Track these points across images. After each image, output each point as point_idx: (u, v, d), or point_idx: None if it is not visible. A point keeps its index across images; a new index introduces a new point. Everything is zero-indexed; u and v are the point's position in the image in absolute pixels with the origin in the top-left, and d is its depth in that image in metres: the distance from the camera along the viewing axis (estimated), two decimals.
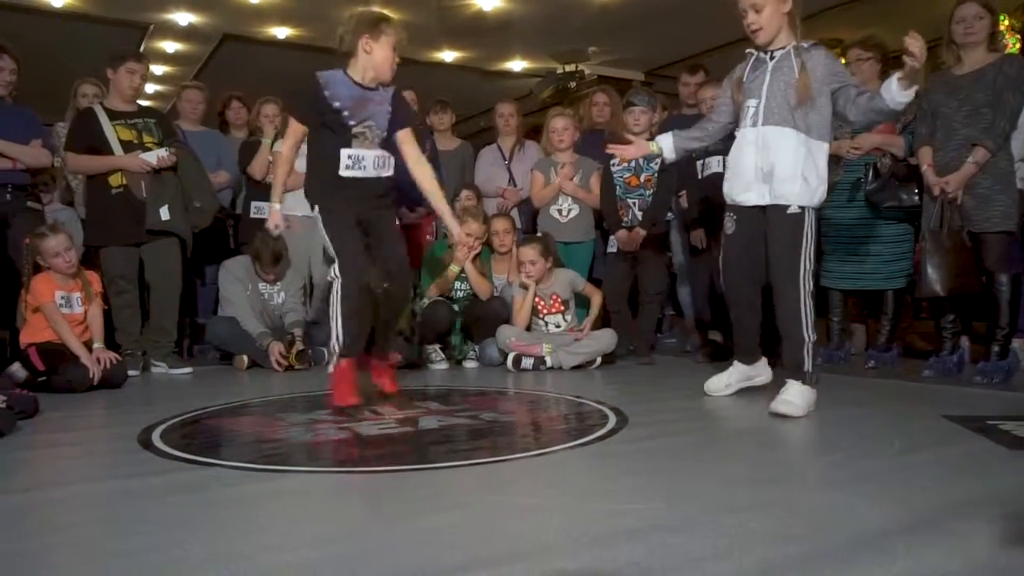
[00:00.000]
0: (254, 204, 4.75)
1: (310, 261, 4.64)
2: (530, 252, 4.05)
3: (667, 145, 3.03)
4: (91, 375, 3.40)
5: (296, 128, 2.94)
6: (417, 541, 1.43)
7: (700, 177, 4.23)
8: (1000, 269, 3.33)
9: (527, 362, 3.98)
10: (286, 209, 4.49)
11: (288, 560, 1.35)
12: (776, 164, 2.64)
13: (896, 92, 2.46)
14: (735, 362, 3.02)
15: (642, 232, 4.10)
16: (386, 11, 2.96)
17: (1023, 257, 3.48)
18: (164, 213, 3.93)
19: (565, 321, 4.20)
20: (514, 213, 4.82)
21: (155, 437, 2.38)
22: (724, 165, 3.37)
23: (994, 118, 3.30)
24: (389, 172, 3.00)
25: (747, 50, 2.81)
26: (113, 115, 3.99)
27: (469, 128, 9.30)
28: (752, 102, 2.71)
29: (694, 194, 4.34)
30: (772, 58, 2.70)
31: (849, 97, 2.61)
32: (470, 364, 4.23)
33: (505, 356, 4.03)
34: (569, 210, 4.49)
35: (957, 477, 1.83)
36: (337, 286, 2.84)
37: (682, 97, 4.93)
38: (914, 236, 3.75)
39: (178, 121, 4.81)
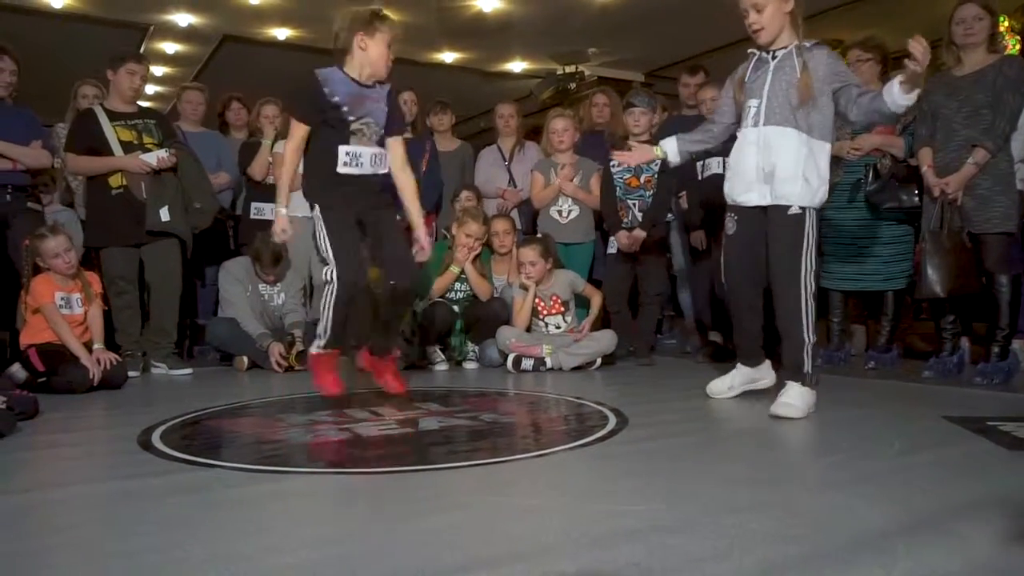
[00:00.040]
0: (254, 205, 4.76)
1: (310, 262, 4.63)
2: (530, 253, 4.05)
3: (671, 149, 3.02)
4: (91, 376, 3.40)
5: (298, 128, 2.93)
6: (417, 542, 1.43)
7: (700, 178, 4.23)
8: (1000, 270, 3.33)
9: (527, 363, 3.98)
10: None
11: (288, 561, 1.35)
12: (777, 164, 2.64)
13: (897, 95, 2.45)
14: (738, 365, 3.00)
15: (642, 233, 4.10)
16: (386, 11, 2.96)
17: (1023, 258, 3.48)
18: (164, 214, 3.93)
19: (565, 322, 4.20)
20: (514, 214, 4.82)
21: (155, 438, 2.38)
22: (724, 166, 3.38)
23: (994, 119, 3.30)
24: (385, 170, 3.02)
25: (749, 50, 2.80)
26: (113, 116, 3.99)
27: (469, 129, 9.30)
28: (753, 102, 2.71)
29: (694, 195, 4.34)
30: (774, 58, 2.69)
31: (851, 97, 2.60)
32: (470, 365, 4.23)
33: (505, 357, 4.03)
34: (569, 211, 4.50)
35: (957, 478, 1.83)
36: (329, 290, 2.87)
37: (682, 98, 4.93)
38: (914, 237, 3.75)
39: (178, 122, 4.82)
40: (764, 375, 3.00)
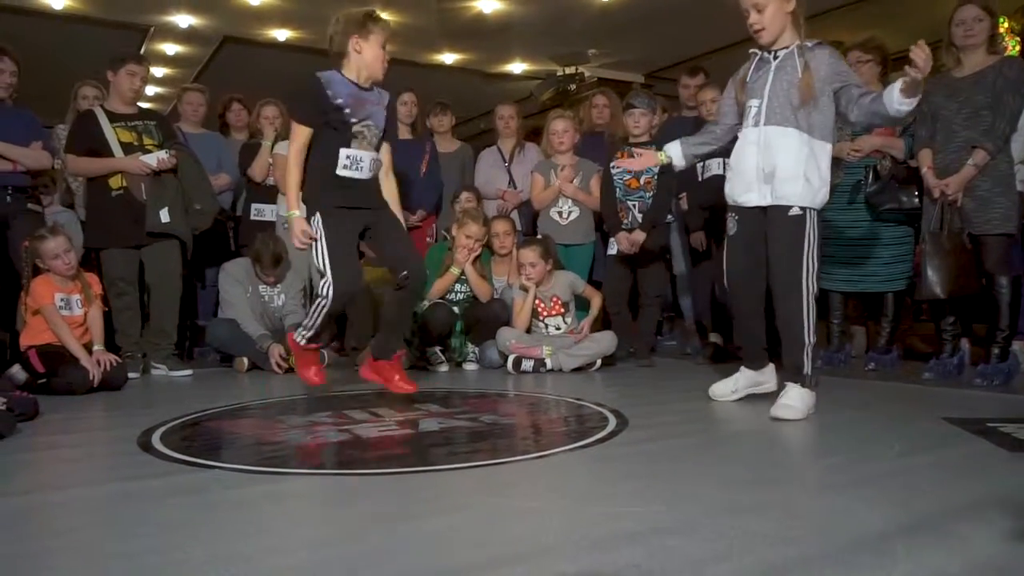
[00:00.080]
0: (254, 206, 4.77)
1: (310, 263, 4.63)
2: (530, 254, 4.06)
3: (676, 153, 3.01)
4: (91, 377, 3.40)
5: (301, 131, 2.91)
6: (417, 543, 1.43)
7: (700, 179, 4.23)
8: (1000, 271, 3.33)
9: (527, 364, 3.98)
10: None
11: (288, 562, 1.35)
12: (777, 164, 2.63)
13: (897, 101, 2.44)
14: (742, 368, 2.98)
15: (642, 234, 4.10)
16: (386, 13, 2.97)
17: (1023, 259, 3.48)
18: (164, 215, 3.93)
19: (565, 323, 4.20)
20: (514, 215, 4.82)
21: (155, 439, 2.38)
22: (725, 167, 3.38)
23: (994, 120, 3.30)
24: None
25: (751, 50, 2.80)
26: (113, 117, 3.99)
27: (469, 130, 9.31)
28: (755, 102, 2.70)
29: (694, 196, 4.34)
30: (776, 58, 2.68)
31: (852, 97, 2.59)
32: (470, 366, 4.23)
33: (505, 358, 4.03)
34: (569, 212, 4.50)
35: (957, 479, 1.83)
36: (323, 303, 2.89)
37: (682, 99, 4.94)
38: (914, 238, 3.75)
39: (179, 123, 4.82)
40: (768, 379, 2.97)
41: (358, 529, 1.55)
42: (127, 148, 3.95)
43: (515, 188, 4.90)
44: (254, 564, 1.34)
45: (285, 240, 4.38)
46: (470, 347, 4.28)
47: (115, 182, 3.96)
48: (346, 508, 1.74)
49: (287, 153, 2.99)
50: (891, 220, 3.81)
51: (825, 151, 2.65)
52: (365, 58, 2.91)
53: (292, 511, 1.72)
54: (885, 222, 3.83)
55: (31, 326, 3.58)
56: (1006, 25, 5.84)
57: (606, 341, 4.10)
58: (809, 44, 2.65)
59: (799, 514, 1.59)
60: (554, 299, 4.17)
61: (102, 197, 3.99)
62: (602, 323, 4.34)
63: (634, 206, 4.17)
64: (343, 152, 2.88)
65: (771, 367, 2.98)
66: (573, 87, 8.68)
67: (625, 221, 4.18)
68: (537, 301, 4.15)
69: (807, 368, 2.64)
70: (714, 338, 4.38)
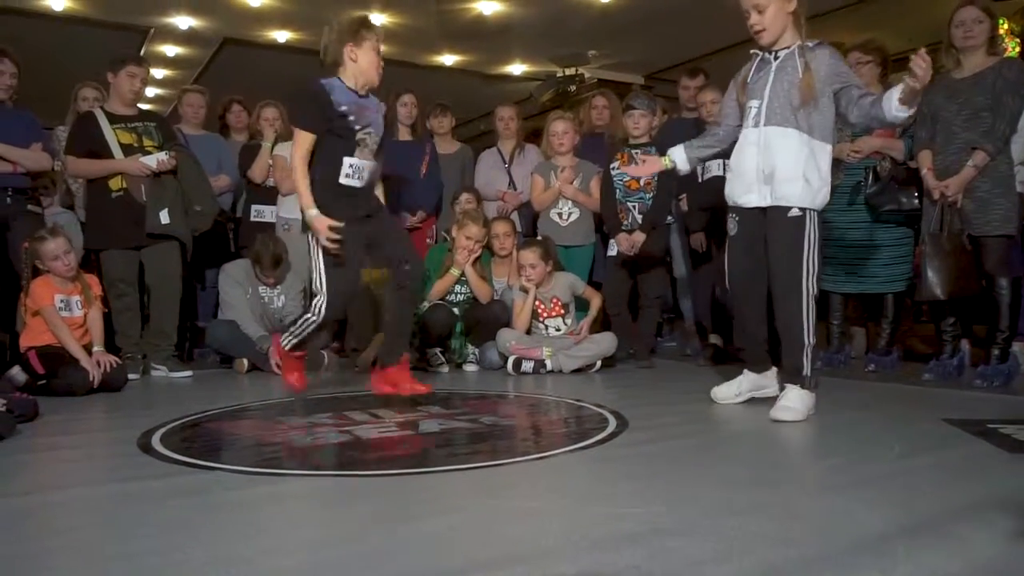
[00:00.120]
0: (254, 208, 4.77)
1: (310, 265, 4.63)
2: (530, 256, 4.06)
3: (680, 158, 2.99)
4: (91, 378, 3.40)
5: (305, 138, 2.90)
6: (417, 544, 1.43)
7: (700, 180, 4.23)
8: (1000, 272, 3.33)
9: (527, 365, 3.98)
10: (287, 212, 4.57)
11: (288, 563, 1.35)
12: (777, 165, 2.62)
13: (896, 107, 2.43)
14: (745, 371, 2.96)
15: (641, 235, 4.10)
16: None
17: (1023, 260, 3.47)
18: (164, 216, 3.93)
19: (565, 324, 4.20)
20: (514, 216, 4.82)
21: (155, 440, 2.38)
22: (725, 168, 3.37)
23: (994, 122, 3.30)
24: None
25: (752, 51, 2.79)
26: (113, 119, 3.99)
27: (469, 131, 9.31)
28: (755, 103, 2.70)
29: (694, 198, 4.34)
30: (776, 58, 2.68)
31: (852, 98, 2.58)
32: (470, 367, 4.22)
33: (505, 359, 4.03)
34: (569, 214, 4.50)
35: (957, 481, 1.83)
36: (312, 320, 2.95)
37: (682, 101, 4.94)
38: (914, 240, 3.75)
39: (179, 125, 4.82)
40: (770, 383, 2.94)
41: (358, 530, 1.55)
42: (127, 149, 3.95)
43: (515, 189, 4.90)
44: (254, 565, 1.34)
45: (285, 241, 4.40)
46: (470, 348, 4.27)
47: (115, 183, 3.96)
48: (346, 509, 1.74)
49: (291, 160, 2.99)
50: (891, 221, 3.81)
51: (825, 152, 2.65)
52: (361, 65, 2.92)
53: (292, 512, 1.72)
54: (885, 223, 3.83)
55: (31, 327, 3.58)
56: (1006, 26, 5.84)
57: (606, 342, 4.10)
58: (810, 44, 2.65)
59: (799, 515, 1.59)
60: (554, 300, 4.17)
61: (102, 198, 3.99)
62: (602, 324, 4.34)
63: (634, 207, 4.17)
64: (347, 161, 2.90)
65: (773, 371, 2.96)
66: (573, 88, 8.68)
67: (625, 222, 4.18)
68: (537, 302, 4.15)
69: (807, 369, 2.64)
70: (714, 339, 4.38)
